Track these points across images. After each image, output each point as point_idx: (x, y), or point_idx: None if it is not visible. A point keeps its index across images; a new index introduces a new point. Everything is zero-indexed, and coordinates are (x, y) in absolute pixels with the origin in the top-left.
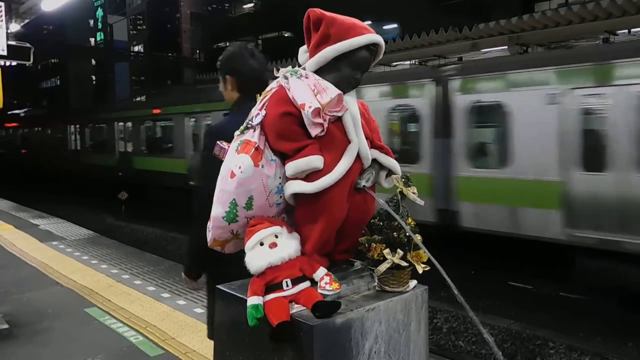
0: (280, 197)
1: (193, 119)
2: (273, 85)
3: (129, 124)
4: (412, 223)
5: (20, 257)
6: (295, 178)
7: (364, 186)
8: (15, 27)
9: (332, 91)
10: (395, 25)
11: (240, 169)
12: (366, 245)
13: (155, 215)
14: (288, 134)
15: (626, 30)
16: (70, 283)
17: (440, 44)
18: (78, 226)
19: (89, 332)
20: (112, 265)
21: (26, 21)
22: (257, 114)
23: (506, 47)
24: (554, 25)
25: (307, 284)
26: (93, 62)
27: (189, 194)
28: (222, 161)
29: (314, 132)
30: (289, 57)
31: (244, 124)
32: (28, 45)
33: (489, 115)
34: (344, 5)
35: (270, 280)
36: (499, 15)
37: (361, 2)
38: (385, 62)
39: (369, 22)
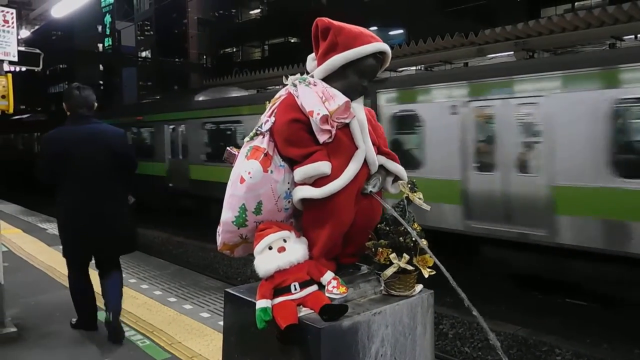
0: (289, 202)
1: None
2: (282, 93)
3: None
4: (418, 228)
5: (29, 260)
6: (303, 183)
7: (370, 191)
8: (25, 33)
9: (340, 98)
10: (401, 31)
11: (250, 175)
12: (373, 249)
13: (162, 219)
14: (296, 140)
15: (633, 36)
16: None
17: (446, 49)
18: None
19: (96, 335)
20: None
21: (36, 27)
22: (266, 120)
23: (512, 52)
24: (560, 30)
25: (314, 287)
26: (101, 67)
27: (195, 199)
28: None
29: (322, 138)
30: (295, 62)
31: (254, 130)
32: (38, 51)
33: None
34: (350, 11)
35: (278, 284)
36: (505, 20)
37: (367, 8)
38: (392, 68)
39: (375, 28)
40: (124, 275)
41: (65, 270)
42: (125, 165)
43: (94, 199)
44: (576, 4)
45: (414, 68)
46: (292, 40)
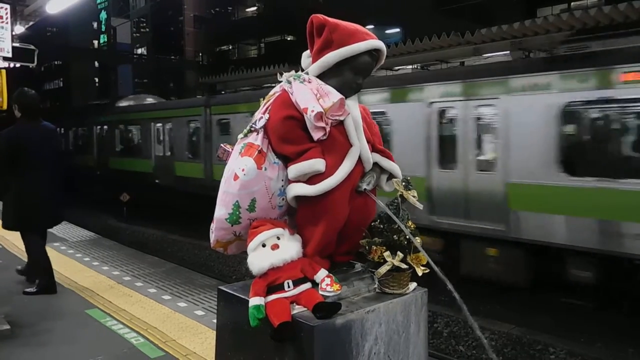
0: (283, 199)
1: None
2: (276, 90)
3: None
4: (412, 226)
5: (22, 258)
6: (297, 181)
7: (365, 189)
8: (19, 29)
9: (335, 95)
10: (397, 30)
11: (244, 172)
12: (367, 247)
13: (156, 217)
14: (291, 137)
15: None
16: (72, 284)
17: (443, 48)
18: (80, 228)
19: (90, 333)
20: (113, 267)
21: (31, 23)
22: (260, 117)
23: (508, 52)
24: (556, 30)
25: (308, 285)
26: (96, 64)
27: (190, 197)
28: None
29: (317, 135)
30: (291, 60)
31: (247, 127)
32: (32, 47)
33: None
34: (347, 10)
35: (272, 282)
36: (501, 20)
37: (364, 7)
38: (388, 67)
39: (372, 27)
40: (117, 273)
41: (59, 268)
42: (59, 157)
43: (44, 183)
44: (572, 3)
45: (410, 67)
46: (289, 38)
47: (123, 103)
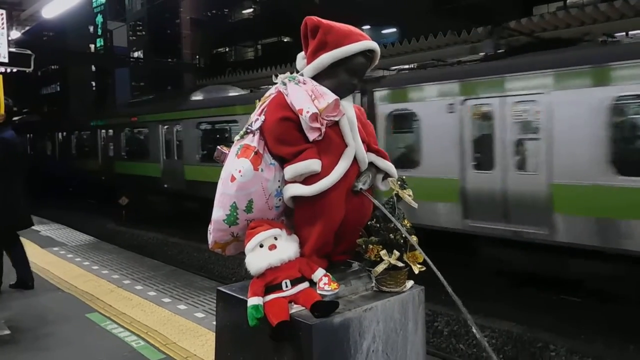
0: (280, 200)
1: None
2: (272, 91)
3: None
4: (408, 225)
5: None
6: (293, 181)
7: (361, 189)
8: (15, 34)
9: (329, 96)
10: (394, 30)
11: (240, 173)
12: (363, 246)
13: (156, 220)
14: (286, 138)
15: (624, 33)
16: (72, 288)
17: (439, 47)
18: (79, 232)
19: (91, 337)
20: (113, 271)
21: (27, 28)
22: (256, 119)
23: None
24: (552, 28)
25: (306, 284)
26: (93, 68)
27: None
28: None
29: (312, 136)
30: (288, 62)
31: (244, 129)
32: (29, 52)
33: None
34: (342, 10)
35: (270, 281)
36: (498, 18)
37: (360, 7)
38: (384, 67)
39: (368, 27)
40: (117, 276)
41: (58, 272)
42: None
43: (20, 187)
44: (568, 1)
45: (407, 67)
46: (285, 40)
47: (202, 96)
